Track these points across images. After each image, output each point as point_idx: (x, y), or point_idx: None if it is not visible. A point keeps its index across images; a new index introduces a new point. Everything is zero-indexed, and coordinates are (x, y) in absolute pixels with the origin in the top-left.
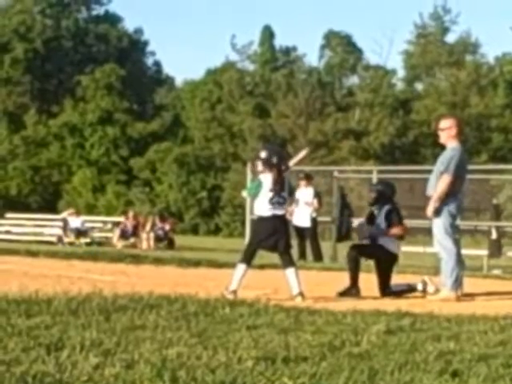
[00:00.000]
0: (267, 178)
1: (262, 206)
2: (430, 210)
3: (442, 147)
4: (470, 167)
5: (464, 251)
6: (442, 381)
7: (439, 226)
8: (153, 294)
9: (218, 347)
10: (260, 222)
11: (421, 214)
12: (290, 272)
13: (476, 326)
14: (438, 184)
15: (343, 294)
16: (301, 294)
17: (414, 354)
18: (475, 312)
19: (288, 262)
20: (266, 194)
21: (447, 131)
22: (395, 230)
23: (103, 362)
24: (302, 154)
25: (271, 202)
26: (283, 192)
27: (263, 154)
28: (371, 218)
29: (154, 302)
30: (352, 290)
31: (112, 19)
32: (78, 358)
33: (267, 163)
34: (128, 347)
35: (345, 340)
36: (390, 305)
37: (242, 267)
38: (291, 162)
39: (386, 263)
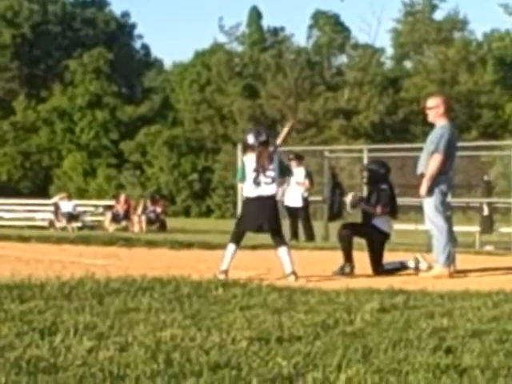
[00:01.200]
0: (250, 159)
1: (246, 187)
2: (423, 190)
3: (432, 125)
4: (461, 144)
5: (456, 228)
6: (436, 358)
7: (430, 204)
8: (146, 276)
9: (211, 328)
10: (246, 203)
11: (412, 191)
12: (282, 251)
13: (469, 302)
14: (429, 163)
15: (338, 271)
16: (294, 273)
17: (407, 331)
18: (468, 288)
19: (279, 241)
20: (250, 174)
21: (435, 110)
22: (377, 210)
23: (97, 345)
24: (286, 128)
25: (255, 181)
26: (269, 171)
27: (249, 139)
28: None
29: (147, 285)
30: (346, 267)
31: (99, 3)
32: (71, 341)
33: (251, 147)
34: (122, 330)
35: (338, 319)
36: (383, 283)
37: (231, 247)
38: (278, 140)
39: (378, 242)
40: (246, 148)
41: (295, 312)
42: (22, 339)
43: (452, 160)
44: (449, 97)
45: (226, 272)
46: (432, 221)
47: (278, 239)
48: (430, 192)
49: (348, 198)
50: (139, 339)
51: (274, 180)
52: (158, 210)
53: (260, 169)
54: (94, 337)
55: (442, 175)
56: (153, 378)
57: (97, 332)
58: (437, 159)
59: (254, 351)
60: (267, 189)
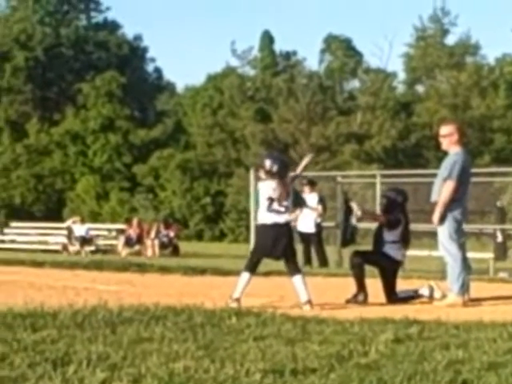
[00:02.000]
0: (266, 186)
1: (261, 214)
2: (435, 217)
3: (445, 151)
4: (474, 170)
5: (469, 254)
6: None
7: (444, 231)
8: (159, 305)
9: (225, 359)
10: (261, 230)
11: (426, 217)
12: (297, 279)
13: (484, 332)
14: (442, 190)
15: (351, 300)
16: (309, 301)
17: (422, 363)
18: (483, 318)
19: (294, 269)
20: (264, 202)
21: (448, 138)
22: (380, 218)
23: (110, 376)
24: (307, 159)
25: (269, 209)
26: (286, 201)
27: (266, 163)
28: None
29: (160, 314)
30: (359, 296)
31: (111, 26)
32: (84, 373)
33: (269, 172)
34: (135, 361)
35: (353, 350)
36: (397, 312)
37: (245, 276)
38: (298, 170)
39: (389, 270)
40: (268, 174)
41: (309, 343)
42: (34, 370)
43: (466, 187)
44: (462, 123)
45: (238, 300)
46: (446, 248)
47: (293, 267)
48: (442, 220)
49: (354, 207)
50: (152, 371)
51: (288, 209)
52: (171, 234)
53: (279, 197)
54: (106, 368)
55: (456, 202)
56: None
57: (110, 363)
58: (450, 186)
59: None
60: (282, 216)
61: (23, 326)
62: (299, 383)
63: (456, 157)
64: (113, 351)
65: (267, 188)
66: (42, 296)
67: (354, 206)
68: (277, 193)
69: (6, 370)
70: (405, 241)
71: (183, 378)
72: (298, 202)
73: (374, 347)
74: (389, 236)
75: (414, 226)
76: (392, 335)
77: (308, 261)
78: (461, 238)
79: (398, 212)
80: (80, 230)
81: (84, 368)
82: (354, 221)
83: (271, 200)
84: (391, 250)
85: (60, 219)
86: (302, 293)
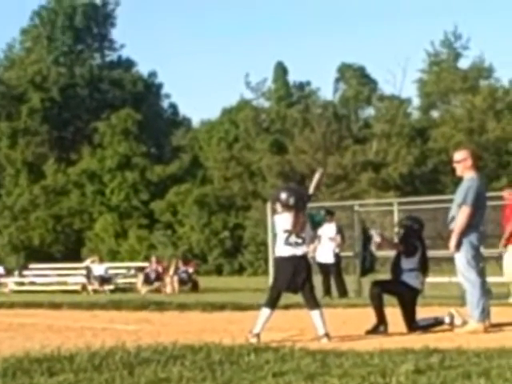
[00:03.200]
0: (283, 219)
1: (279, 247)
2: (452, 245)
3: (461, 177)
4: (492, 194)
5: (489, 279)
6: None
7: (461, 258)
8: (176, 343)
9: None
10: (279, 263)
11: (444, 243)
12: (315, 313)
13: (506, 359)
14: (457, 217)
15: (372, 331)
16: (327, 335)
17: None
18: (504, 344)
19: (312, 303)
20: (281, 234)
21: (462, 163)
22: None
23: None
24: (317, 176)
25: (287, 242)
26: (303, 233)
27: (282, 196)
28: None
29: (178, 353)
30: (380, 328)
31: (126, 64)
32: None
33: (286, 205)
34: None
35: (373, 383)
36: (418, 341)
37: (266, 311)
38: (311, 189)
39: (408, 299)
40: (284, 207)
41: (329, 377)
42: None
43: (482, 212)
44: (476, 148)
45: (258, 336)
46: (464, 275)
47: (312, 301)
48: (459, 246)
49: (374, 234)
50: None
51: (304, 241)
52: (190, 270)
53: (296, 230)
54: None
55: (472, 228)
56: None
57: None
58: (465, 212)
59: None
60: (299, 249)
61: (40, 370)
62: None
63: (470, 182)
64: None
65: (284, 221)
66: (60, 338)
67: (373, 233)
68: (293, 225)
69: None
70: (423, 268)
71: None
72: (315, 226)
73: (395, 379)
74: (407, 264)
75: (432, 253)
76: (413, 366)
77: (327, 291)
78: (479, 263)
79: (414, 239)
80: (99, 269)
81: None
82: (373, 248)
83: (289, 233)
84: (409, 278)
85: (79, 259)
86: (320, 326)
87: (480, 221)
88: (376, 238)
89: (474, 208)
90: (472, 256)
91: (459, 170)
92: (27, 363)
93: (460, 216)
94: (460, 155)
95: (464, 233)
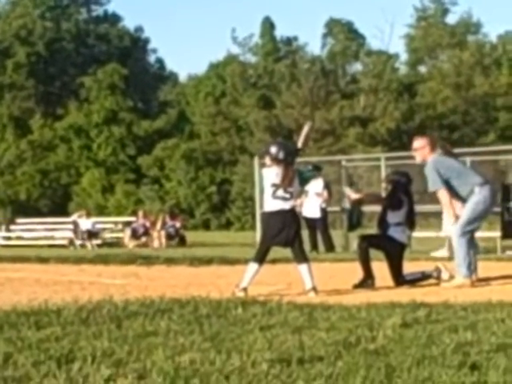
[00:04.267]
0: (271, 173)
1: (267, 202)
2: (452, 222)
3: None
4: (479, 149)
5: (477, 234)
6: (460, 375)
7: (460, 222)
8: (164, 297)
9: (231, 351)
10: (267, 217)
11: (431, 198)
12: (303, 267)
13: (493, 313)
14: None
15: (359, 285)
16: (314, 288)
17: (430, 347)
18: (491, 298)
19: (301, 257)
20: (268, 189)
21: (420, 151)
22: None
23: (115, 372)
24: (306, 129)
25: (274, 196)
26: (291, 187)
27: (272, 150)
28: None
29: (166, 307)
30: (367, 281)
31: (112, 19)
32: (89, 370)
33: (275, 158)
34: (140, 356)
35: (360, 336)
36: (405, 295)
37: (254, 266)
38: (299, 143)
39: (395, 253)
40: (273, 161)
41: (316, 330)
42: (38, 369)
43: (457, 180)
44: (432, 135)
45: (245, 290)
46: (453, 231)
47: (300, 255)
48: (457, 218)
49: (347, 191)
50: (158, 365)
51: (292, 195)
52: (178, 224)
53: (284, 184)
54: (111, 364)
55: (461, 197)
56: None
57: (115, 359)
58: (441, 195)
59: (274, 374)
60: (287, 203)
61: (27, 324)
62: (306, 372)
63: (430, 165)
64: (118, 347)
65: (271, 174)
66: (47, 292)
67: (346, 190)
68: (282, 179)
69: (9, 369)
70: (410, 222)
71: (189, 372)
72: (302, 183)
73: (382, 332)
74: (393, 218)
75: (420, 207)
76: (399, 319)
77: (314, 246)
78: (475, 225)
79: (401, 193)
80: (86, 223)
81: (89, 365)
82: (347, 205)
83: (276, 186)
84: (396, 232)
85: (66, 214)
86: (308, 280)
87: (460, 188)
88: (350, 195)
89: (445, 184)
90: (467, 222)
91: (418, 157)
92: (14, 317)
93: (441, 200)
94: (418, 143)
95: (452, 207)
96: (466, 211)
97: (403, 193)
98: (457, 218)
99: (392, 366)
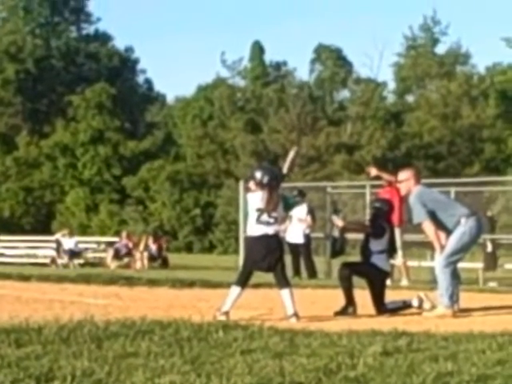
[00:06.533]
0: (256, 197)
1: (251, 226)
2: (439, 252)
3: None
4: (464, 180)
5: (459, 264)
6: None
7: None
8: (145, 319)
9: (211, 374)
10: (251, 242)
11: (414, 227)
12: (285, 293)
13: (474, 344)
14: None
15: (340, 313)
16: (295, 314)
17: (411, 376)
18: (472, 329)
19: (283, 282)
20: (253, 213)
21: (406, 183)
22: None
23: None
24: (292, 154)
25: (258, 221)
26: (275, 212)
27: (257, 174)
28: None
29: (147, 328)
30: (348, 309)
31: (102, 38)
32: None
33: (260, 183)
34: (120, 376)
35: (341, 363)
36: (386, 323)
37: (236, 290)
38: (285, 168)
39: (378, 281)
40: (258, 186)
41: (297, 356)
42: None
43: (442, 211)
44: (417, 167)
45: (227, 313)
46: (438, 261)
47: (282, 280)
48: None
49: (335, 220)
50: None
51: (276, 220)
52: (162, 245)
53: (268, 209)
54: None
55: (442, 231)
56: None
57: (94, 379)
58: (426, 227)
59: None
60: (271, 227)
61: (7, 341)
62: None
63: (414, 199)
64: (98, 367)
65: (256, 199)
66: (28, 310)
67: (334, 218)
68: (266, 204)
69: None
70: (390, 252)
71: None
72: (287, 207)
73: (363, 360)
74: (375, 246)
75: (403, 237)
76: (380, 348)
77: (297, 272)
78: (459, 256)
79: (382, 221)
80: (69, 242)
81: None
82: (336, 233)
83: (261, 211)
84: (379, 260)
85: (49, 232)
86: (289, 306)
87: (450, 218)
88: (338, 223)
89: (429, 216)
90: (454, 250)
91: (403, 189)
92: None
93: (426, 232)
94: (403, 175)
95: (439, 239)
96: (451, 242)
97: (385, 220)
98: (443, 248)
99: None
